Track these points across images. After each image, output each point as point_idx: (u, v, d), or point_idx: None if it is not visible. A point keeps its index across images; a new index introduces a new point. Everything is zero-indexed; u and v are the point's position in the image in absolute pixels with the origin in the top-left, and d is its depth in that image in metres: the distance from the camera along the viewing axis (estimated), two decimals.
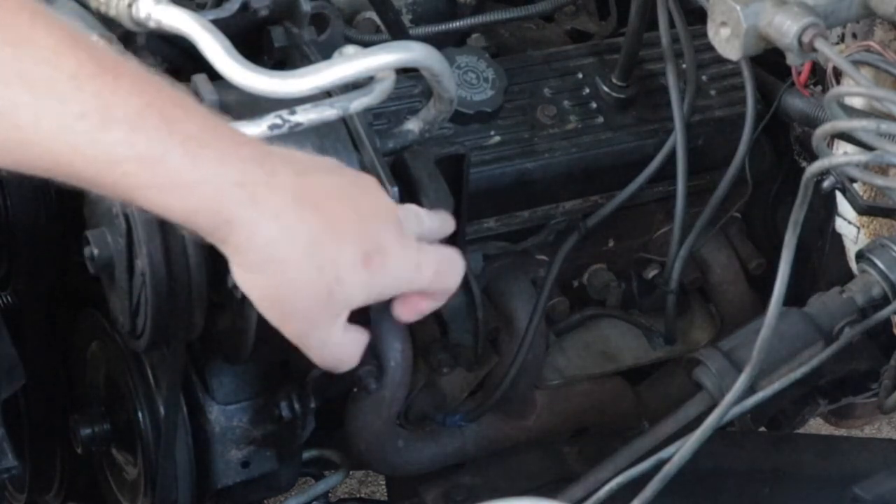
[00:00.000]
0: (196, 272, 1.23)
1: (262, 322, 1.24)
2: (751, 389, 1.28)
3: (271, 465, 1.46)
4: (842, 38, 1.45)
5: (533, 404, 1.65)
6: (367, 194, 1.15)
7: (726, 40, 1.23)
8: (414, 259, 1.15)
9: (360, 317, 1.15)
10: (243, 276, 1.10)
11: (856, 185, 1.43)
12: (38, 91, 0.98)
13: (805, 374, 1.30)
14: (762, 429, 1.85)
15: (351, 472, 1.68)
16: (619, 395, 1.69)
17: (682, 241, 1.60)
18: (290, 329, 1.13)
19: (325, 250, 1.09)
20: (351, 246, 1.10)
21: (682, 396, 1.40)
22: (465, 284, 1.48)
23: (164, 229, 1.22)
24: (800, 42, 1.19)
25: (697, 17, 1.50)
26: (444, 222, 1.25)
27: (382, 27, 1.59)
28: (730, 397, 1.24)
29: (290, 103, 1.18)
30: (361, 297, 1.12)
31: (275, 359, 1.37)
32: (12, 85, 0.97)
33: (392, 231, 1.14)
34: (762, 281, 1.71)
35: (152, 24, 1.21)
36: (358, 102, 1.22)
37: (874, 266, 1.33)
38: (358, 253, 1.10)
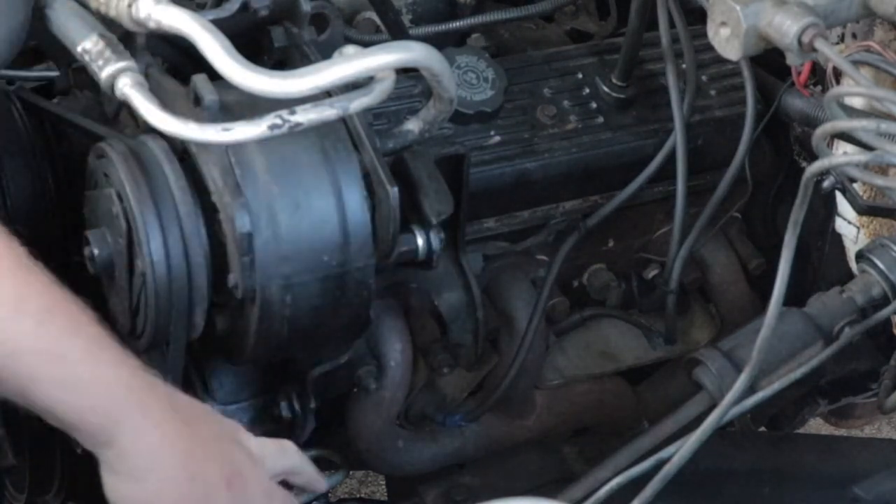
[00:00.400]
0: (196, 272, 1.23)
1: (263, 322, 1.25)
2: (751, 389, 1.28)
3: None
4: (842, 38, 1.45)
5: (533, 404, 1.65)
6: (226, 423, 1.23)
7: (726, 40, 1.23)
8: (263, 491, 1.22)
9: None
10: (118, 486, 1.14)
11: (856, 185, 1.43)
12: None
13: (805, 374, 1.31)
14: (762, 429, 1.85)
15: (351, 472, 1.68)
16: (620, 395, 1.69)
17: (682, 241, 1.60)
18: None
19: (195, 467, 1.15)
20: (216, 465, 1.17)
21: (682, 396, 1.40)
22: (466, 285, 1.48)
23: (165, 229, 1.22)
24: (800, 42, 1.19)
25: (697, 17, 1.50)
26: (318, 482, 1.34)
27: (382, 27, 1.59)
28: (730, 397, 1.24)
29: (290, 103, 1.18)
30: None
31: (275, 359, 1.37)
32: None
33: (249, 462, 1.21)
34: (762, 281, 1.71)
35: (152, 25, 1.21)
36: (358, 102, 1.22)
37: (874, 266, 1.33)
38: (222, 473, 1.17)
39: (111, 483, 1.14)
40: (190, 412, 1.18)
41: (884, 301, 1.33)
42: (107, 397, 1.10)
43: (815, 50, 1.19)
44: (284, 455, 1.28)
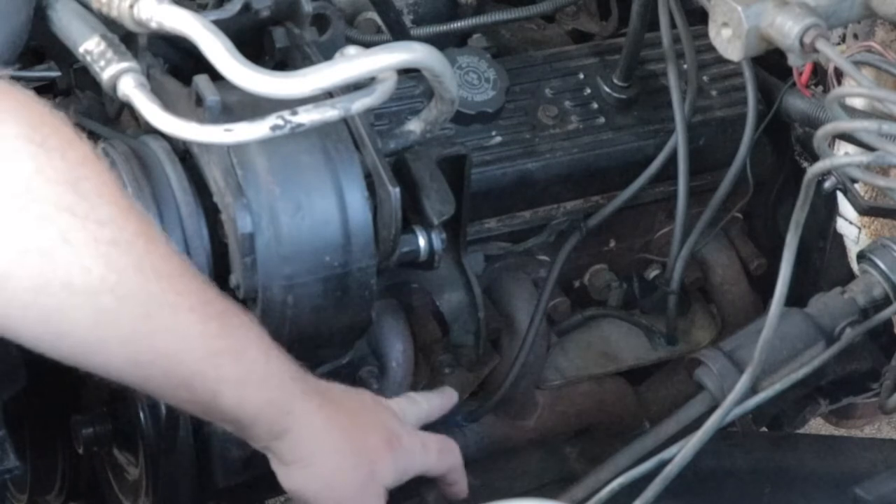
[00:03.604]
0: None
1: (264, 323, 1.25)
2: (752, 390, 1.28)
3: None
4: (843, 39, 1.45)
5: (534, 404, 1.65)
6: (364, 393, 1.30)
7: (728, 41, 1.23)
8: (419, 441, 1.30)
9: None
10: (293, 475, 1.21)
11: (857, 186, 1.43)
12: (164, 283, 1.08)
13: (807, 374, 1.31)
14: (763, 429, 1.85)
15: None
16: (621, 395, 1.69)
17: (683, 241, 1.60)
18: None
19: (357, 439, 1.22)
20: (374, 433, 1.24)
21: (684, 397, 1.40)
22: (467, 285, 1.48)
23: (166, 230, 1.22)
24: (801, 43, 1.19)
25: (698, 18, 1.50)
26: (446, 398, 1.43)
27: (384, 28, 1.59)
28: (731, 398, 1.25)
29: (292, 104, 1.18)
30: (392, 476, 1.25)
31: None
32: (147, 273, 1.07)
33: (395, 419, 1.29)
34: (763, 281, 1.71)
35: (154, 25, 1.21)
36: (360, 103, 1.22)
37: (875, 266, 1.33)
38: (381, 438, 1.24)
39: (286, 475, 1.21)
40: (332, 391, 1.23)
41: (885, 301, 1.33)
42: (280, 389, 1.16)
43: (816, 51, 1.19)
44: (416, 405, 1.36)
